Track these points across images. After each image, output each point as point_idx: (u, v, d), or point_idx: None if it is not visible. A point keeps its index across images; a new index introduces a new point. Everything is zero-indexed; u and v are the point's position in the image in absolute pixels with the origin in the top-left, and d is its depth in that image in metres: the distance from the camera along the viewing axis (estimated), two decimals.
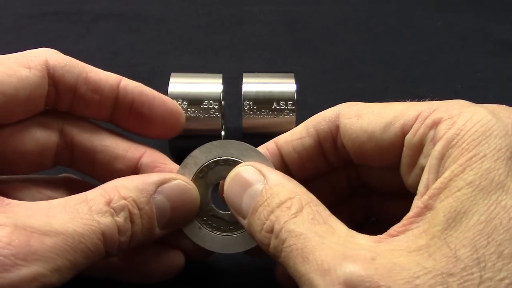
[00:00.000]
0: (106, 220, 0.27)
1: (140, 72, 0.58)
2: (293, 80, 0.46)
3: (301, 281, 0.24)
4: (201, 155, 0.33)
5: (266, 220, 0.27)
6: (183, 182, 0.31)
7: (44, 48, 0.33)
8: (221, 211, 0.33)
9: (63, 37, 0.64)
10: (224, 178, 0.32)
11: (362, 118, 0.30)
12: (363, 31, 0.66)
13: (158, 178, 0.30)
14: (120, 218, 0.28)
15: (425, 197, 0.25)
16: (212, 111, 0.44)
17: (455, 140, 0.25)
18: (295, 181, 0.29)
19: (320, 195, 0.28)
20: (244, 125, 0.45)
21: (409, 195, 0.30)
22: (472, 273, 0.21)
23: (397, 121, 0.29)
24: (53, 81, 0.32)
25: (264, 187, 0.28)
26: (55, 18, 0.67)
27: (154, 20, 0.68)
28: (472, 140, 0.25)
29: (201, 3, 0.71)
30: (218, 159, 0.33)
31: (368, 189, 0.35)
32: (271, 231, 0.26)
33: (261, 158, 0.33)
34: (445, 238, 0.23)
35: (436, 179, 0.25)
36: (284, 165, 0.33)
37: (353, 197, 0.36)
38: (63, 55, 0.33)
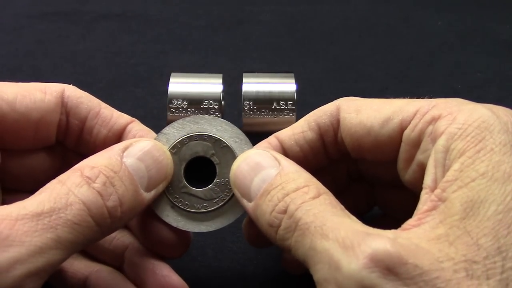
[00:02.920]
0: (82, 189, 0.27)
1: (140, 72, 0.58)
2: (293, 80, 0.46)
3: (317, 258, 0.24)
4: (173, 131, 0.33)
5: (280, 201, 0.27)
6: (147, 140, 0.31)
7: (65, 84, 0.34)
8: (194, 188, 0.32)
9: (63, 37, 0.64)
10: (199, 153, 0.32)
11: (361, 113, 0.30)
12: (363, 31, 0.66)
13: (121, 145, 0.30)
14: (97, 184, 0.27)
15: (438, 190, 0.25)
16: (212, 111, 0.44)
17: (458, 134, 0.25)
18: (309, 173, 0.29)
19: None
20: (244, 125, 0.45)
21: (406, 187, 0.30)
22: (495, 262, 0.22)
23: (396, 117, 0.29)
24: (66, 110, 0.33)
25: (279, 172, 0.28)
26: (55, 18, 0.67)
27: (154, 20, 0.68)
28: (476, 134, 0.25)
29: (201, 3, 0.71)
30: (192, 135, 0.32)
31: (368, 180, 0.35)
32: (284, 211, 0.26)
33: (236, 132, 0.32)
34: (464, 227, 0.23)
35: (444, 172, 0.25)
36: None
37: (356, 185, 0.36)
38: (81, 91, 0.34)
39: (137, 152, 0.30)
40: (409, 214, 0.26)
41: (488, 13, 0.70)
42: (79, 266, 0.33)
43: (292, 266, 0.35)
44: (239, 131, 0.33)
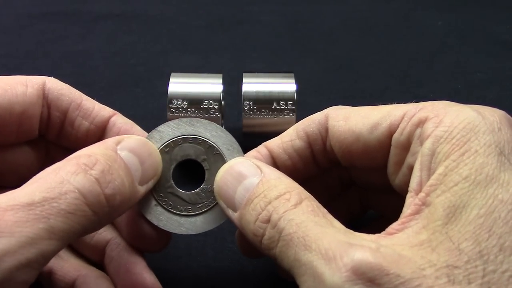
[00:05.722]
0: (78, 177, 0.26)
1: (140, 72, 0.58)
2: (293, 80, 0.46)
3: (301, 270, 0.24)
4: (168, 130, 0.33)
5: (263, 210, 0.27)
6: (138, 137, 0.31)
7: (45, 77, 0.34)
8: (181, 190, 0.32)
9: (63, 37, 0.64)
10: (190, 156, 0.32)
11: (349, 120, 0.31)
12: (363, 31, 0.66)
13: (114, 139, 0.30)
14: (95, 171, 0.27)
15: (422, 194, 0.25)
16: (212, 111, 0.44)
17: (444, 137, 0.25)
18: (291, 178, 0.29)
19: (313, 193, 0.28)
20: (244, 125, 0.45)
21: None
22: (476, 266, 0.22)
23: (384, 122, 0.29)
24: (47, 102, 0.33)
25: (261, 180, 0.28)
26: (55, 18, 0.67)
27: (154, 20, 0.68)
28: (461, 136, 0.25)
29: (201, 3, 0.71)
30: (187, 136, 0.32)
31: (360, 186, 0.35)
32: (267, 221, 0.26)
33: (230, 140, 0.32)
34: (446, 232, 0.23)
35: (429, 176, 0.25)
36: (276, 168, 0.33)
37: (349, 190, 0.36)
38: (62, 83, 0.34)
39: (130, 145, 0.30)
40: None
41: (488, 13, 0.70)
42: (68, 269, 0.33)
43: (285, 272, 0.35)
44: (233, 139, 0.33)
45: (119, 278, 0.32)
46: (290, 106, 0.44)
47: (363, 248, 0.23)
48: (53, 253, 0.25)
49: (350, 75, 0.59)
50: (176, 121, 0.33)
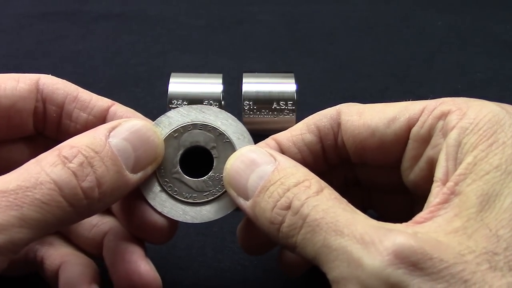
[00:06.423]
0: (56, 169, 0.26)
1: (140, 72, 0.58)
2: (293, 80, 0.46)
3: (332, 256, 0.23)
4: (177, 116, 0.32)
5: (281, 197, 0.26)
6: (136, 120, 0.30)
7: (41, 74, 0.33)
8: (187, 176, 0.31)
9: (63, 37, 0.64)
10: (199, 143, 0.32)
11: (364, 115, 0.30)
12: (363, 31, 0.66)
13: (108, 125, 0.29)
14: (73, 164, 0.26)
15: (450, 183, 0.25)
16: None
17: (469, 128, 0.26)
18: (306, 168, 0.28)
19: None
20: (244, 124, 0.45)
21: (404, 191, 0.30)
22: None
23: (402, 115, 0.29)
24: (42, 97, 0.32)
25: (276, 167, 0.27)
26: (55, 18, 0.67)
27: (154, 20, 0.68)
28: (487, 128, 0.25)
29: (201, 3, 0.71)
30: (197, 123, 0.32)
31: (365, 186, 0.35)
32: (287, 207, 0.26)
33: (241, 128, 0.32)
34: (482, 220, 0.23)
35: (456, 166, 0.25)
36: None
37: (352, 189, 0.36)
38: (58, 78, 0.33)
39: (124, 131, 0.29)
40: (404, 218, 0.26)
41: (488, 13, 0.70)
42: (55, 256, 0.33)
43: (289, 268, 0.35)
44: (244, 128, 0.32)
45: (116, 268, 0.31)
46: (290, 106, 0.44)
47: (403, 233, 0.22)
48: (24, 241, 0.25)
49: (350, 75, 0.59)
50: (186, 107, 0.32)
